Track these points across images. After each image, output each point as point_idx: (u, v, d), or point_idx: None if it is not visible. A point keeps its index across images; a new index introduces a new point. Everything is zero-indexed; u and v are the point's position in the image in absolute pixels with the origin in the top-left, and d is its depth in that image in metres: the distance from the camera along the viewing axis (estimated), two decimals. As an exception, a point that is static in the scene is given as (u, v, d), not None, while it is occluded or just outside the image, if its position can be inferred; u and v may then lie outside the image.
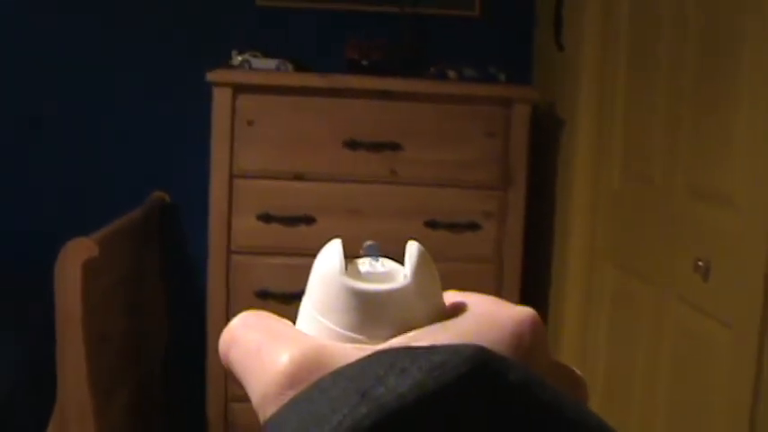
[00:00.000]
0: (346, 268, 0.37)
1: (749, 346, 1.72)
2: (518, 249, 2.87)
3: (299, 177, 2.81)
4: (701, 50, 2.03)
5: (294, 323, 0.39)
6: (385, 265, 0.39)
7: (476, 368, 0.31)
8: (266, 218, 2.80)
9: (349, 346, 0.36)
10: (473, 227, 2.84)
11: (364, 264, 0.39)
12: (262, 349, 0.36)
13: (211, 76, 2.76)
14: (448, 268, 2.85)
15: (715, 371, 1.88)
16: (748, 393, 1.71)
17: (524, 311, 0.38)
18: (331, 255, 0.38)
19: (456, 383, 0.31)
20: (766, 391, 1.68)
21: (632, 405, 2.33)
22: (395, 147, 2.81)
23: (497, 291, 2.79)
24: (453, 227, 2.83)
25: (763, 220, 1.69)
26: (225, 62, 2.96)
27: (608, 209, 2.63)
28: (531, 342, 0.37)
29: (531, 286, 3.00)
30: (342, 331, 0.37)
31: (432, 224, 2.81)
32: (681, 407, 2.08)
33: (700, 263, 1.94)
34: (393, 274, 0.38)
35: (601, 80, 2.68)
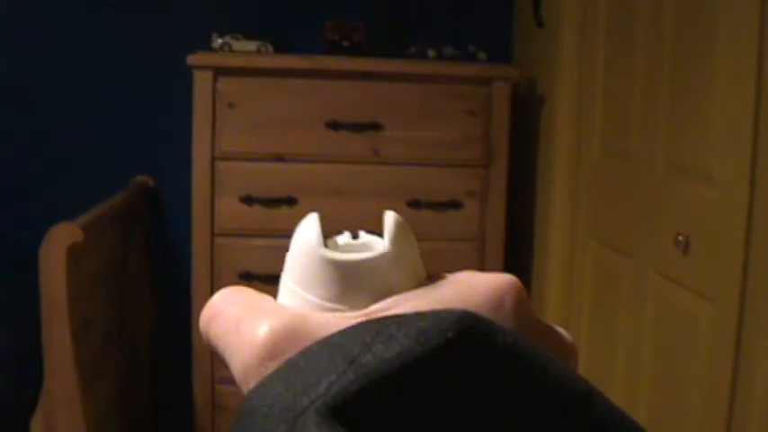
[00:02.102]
0: (325, 242, 0.37)
1: (729, 318, 1.74)
2: (500, 227, 2.88)
3: (280, 159, 2.82)
4: (679, 27, 2.04)
5: (275, 299, 0.39)
6: (363, 237, 0.38)
7: (463, 333, 0.31)
8: (249, 200, 2.80)
9: (329, 315, 0.36)
10: (455, 205, 2.85)
11: (342, 238, 0.39)
12: (241, 323, 0.36)
13: (192, 60, 2.75)
14: (431, 247, 2.88)
15: (696, 343, 1.90)
16: (728, 364, 1.74)
17: (504, 277, 0.38)
18: (308, 228, 0.38)
19: (443, 348, 0.31)
20: (745, 362, 1.70)
21: (615, 378, 2.35)
22: (376, 127, 2.82)
23: (480, 269, 2.80)
24: (436, 206, 2.83)
25: (742, 194, 1.71)
26: (205, 45, 2.95)
27: (589, 185, 2.64)
28: (513, 306, 0.37)
29: (514, 264, 3.01)
30: (322, 302, 0.36)
31: (414, 204, 2.82)
32: (663, 379, 2.10)
33: (680, 237, 1.95)
34: (371, 245, 0.38)
35: (580, 57, 2.69)
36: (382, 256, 0.37)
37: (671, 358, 2.05)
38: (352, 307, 0.36)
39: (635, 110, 2.30)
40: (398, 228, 0.38)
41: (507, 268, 2.91)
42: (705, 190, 1.89)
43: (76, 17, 3.22)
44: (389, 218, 0.38)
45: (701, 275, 1.90)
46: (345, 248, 0.38)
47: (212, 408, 2.85)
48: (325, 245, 0.37)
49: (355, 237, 0.39)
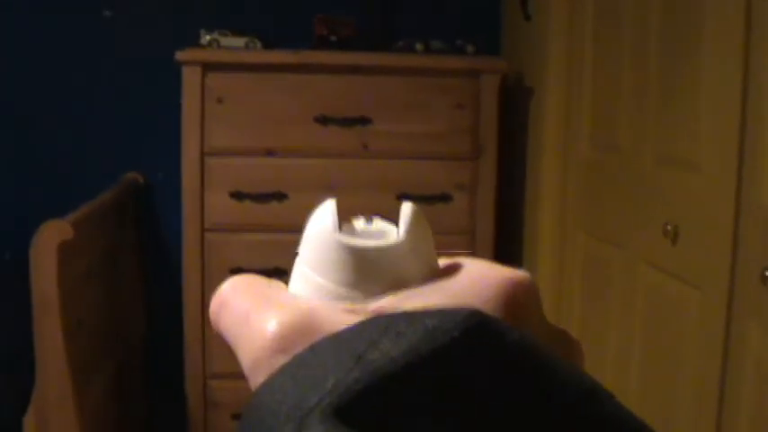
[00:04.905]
0: (340, 227, 0.37)
1: (717, 306, 1.75)
2: (490, 219, 2.88)
3: (270, 154, 2.82)
4: (667, 20, 2.05)
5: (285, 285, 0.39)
6: (378, 224, 0.38)
7: (470, 331, 0.31)
8: (238, 195, 2.80)
9: (339, 308, 0.36)
10: (445, 198, 2.86)
11: (358, 223, 0.38)
12: (251, 315, 0.36)
13: (180, 56, 2.75)
14: (421, 240, 2.86)
15: (685, 331, 1.91)
16: (718, 352, 1.75)
17: (518, 273, 0.38)
18: (325, 213, 0.37)
19: (450, 347, 0.30)
20: (735, 349, 1.71)
21: (606, 367, 2.36)
22: (365, 121, 2.82)
23: (471, 261, 2.80)
24: (425, 199, 2.84)
25: (729, 184, 1.72)
26: (193, 41, 2.95)
27: (578, 177, 2.65)
28: (525, 303, 0.37)
29: (504, 256, 3.02)
30: (336, 287, 0.36)
31: (404, 197, 2.82)
32: (653, 367, 2.11)
33: (668, 227, 1.96)
34: (386, 233, 0.38)
35: (568, 49, 2.70)
36: (398, 245, 0.37)
37: (661, 346, 2.06)
38: (365, 293, 0.36)
39: (623, 101, 2.30)
40: (415, 218, 0.38)
41: (497, 261, 2.90)
42: (693, 180, 1.90)
43: (66, 14, 3.21)
44: (407, 207, 0.38)
45: (689, 264, 1.91)
46: (360, 234, 0.38)
47: (204, 403, 2.85)
48: (340, 227, 0.37)
49: (369, 220, 0.39)
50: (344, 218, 0.38)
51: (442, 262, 0.39)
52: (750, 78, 1.68)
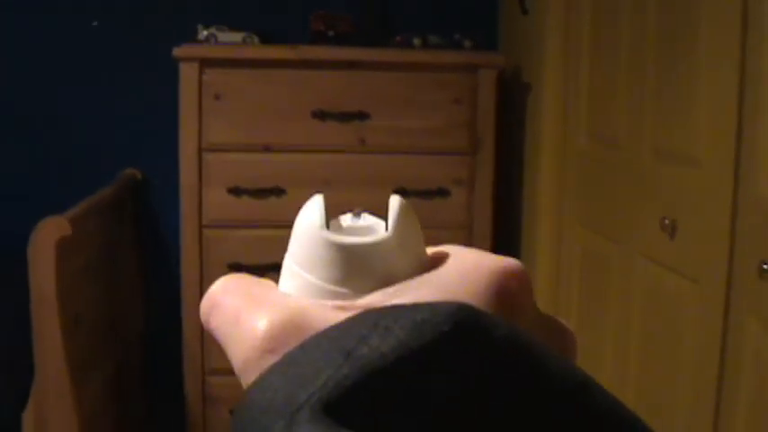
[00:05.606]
0: (328, 224, 0.37)
1: (715, 300, 1.76)
2: (488, 214, 2.88)
3: (268, 150, 2.82)
4: (663, 13, 2.05)
5: (275, 283, 0.38)
6: (366, 219, 0.38)
7: (458, 326, 0.31)
8: (236, 191, 2.80)
9: (329, 306, 0.35)
10: (443, 193, 2.86)
11: (345, 219, 0.38)
12: (241, 315, 0.36)
13: (177, 52, 2.74)
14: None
15: (683, 325, 1.92)
16: (716, 346, 1.75)
17: (509, 262, 0.37)
18: (312, 210, 0.37)
19: (438, 342, 0.30)
20: (733, 343, 1.72)
21: (604, 362, 2.36)
22: (363, 116, 2.82)
23: (469, 256, 2.80)
24: (423, 194, 2.84)
25: (726, 178, 1.72)
26: (191, 37, 2.95)
27: (575, 171, 2.65)
28: (517, 294, 0.36)
29: (502, 251, 3.01)
30: (324, 285, 0.36)
31: (401, 192, 2.82)
32: (651, 361, 2.12)
33: (666, 221, 1.97)
34: (374, 228, 0.37)
35: (565, 43, 2.70)
36: (386, 241, 0.36)
37: (659, 341, 2.07)
38: (355, 290, 0.36)
39: (621, 96, 2.30)
40: (403, 212, 0.37)
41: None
42: (690, 174, 1.90)
43: (60, 12, 3.21)
44: (394, 202, 0.37)
45: (687, 258, 1.91)
46: (348, 230, 0.37)
47: (203, 398, 2.85)
48: (328, 225, 0.37)
49: (357, 215, 0.38)
50: (333, 213, 0.38)
51: (431, 252, 0.39)
52: (747, 72, 1.68)
